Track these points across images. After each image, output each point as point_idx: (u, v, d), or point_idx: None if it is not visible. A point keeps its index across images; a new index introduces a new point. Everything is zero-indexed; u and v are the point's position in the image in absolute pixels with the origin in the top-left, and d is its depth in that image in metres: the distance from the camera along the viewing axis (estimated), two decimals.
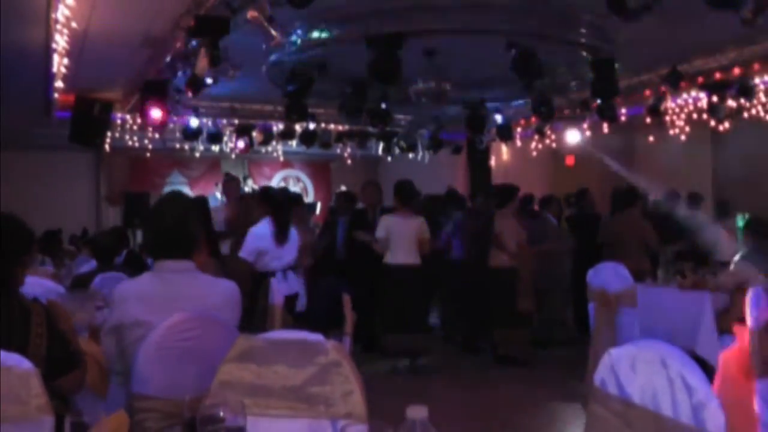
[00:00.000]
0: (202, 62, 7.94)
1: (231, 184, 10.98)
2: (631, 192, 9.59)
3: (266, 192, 7.41)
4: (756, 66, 11.28)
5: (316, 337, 2.72)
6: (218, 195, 15.28)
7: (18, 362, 2.68)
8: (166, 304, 3.47)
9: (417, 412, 1.75)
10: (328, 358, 2.65)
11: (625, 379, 2.37)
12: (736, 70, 11.42)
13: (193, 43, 8.33)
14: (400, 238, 8.69)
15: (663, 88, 12.16)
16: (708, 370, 3.48)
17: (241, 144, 15.39)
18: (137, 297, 3.54)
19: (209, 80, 9.11)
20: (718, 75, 11.67)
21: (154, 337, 3.81)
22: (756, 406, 3.90)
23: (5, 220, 3.28)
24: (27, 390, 2.65)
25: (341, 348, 2.70)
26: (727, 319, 5.98)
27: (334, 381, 2.63)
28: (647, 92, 12.72)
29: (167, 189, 18.99)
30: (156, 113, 10.49)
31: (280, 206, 6.84)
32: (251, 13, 7.48)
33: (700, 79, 11.84)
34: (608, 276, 6.97)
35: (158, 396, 3.52)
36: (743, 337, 3.79)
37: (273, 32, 7.58)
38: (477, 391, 8.20)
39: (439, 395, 7.96)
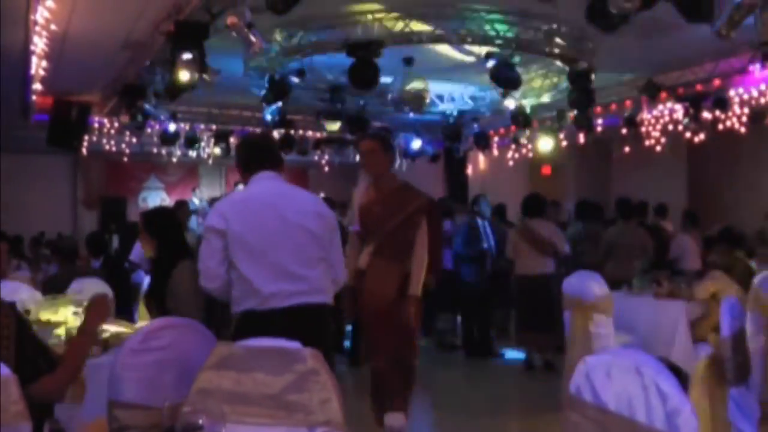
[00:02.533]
0: (182, 67, 7.92)
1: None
2: (630, 202, 9.65)
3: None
4: (731, 79, 11.42)
5: (294, 345, 2.72)
6: (195, 200, 15.25)
7: None
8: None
9: (395, 420, 1.76)
10: (306, 366, 2.66)
11: (600, 386, 2.40)
12: (712, 83, 11.55)
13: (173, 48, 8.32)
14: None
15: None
16: (683, 377, 3.51)
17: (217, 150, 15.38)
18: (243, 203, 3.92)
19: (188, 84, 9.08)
20: (694, 87, 11.80)
21: (131, 343, 3.80)
22: (729, 413, 3.96)
23: None
24: (6, 396, 2.64)
25: (319, 356, 2.71)
26: (701, 328, 6.04)
27: (311, 389, 2.64)
28: (624, 103, 12.85)
29: (144, 194, 18.95)
30: None
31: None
32: (231, 19, 7.48)
33: (679, 91, 11.96)
34: (584, 284, 6.99)
35: (136, 403, 3.51)
36: (718, 345, 3.84)
37: (252, 38, 7.59)
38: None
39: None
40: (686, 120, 12.12)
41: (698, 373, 3.85)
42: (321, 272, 3.93)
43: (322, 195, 14.15)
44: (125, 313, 7.50)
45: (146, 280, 7.81)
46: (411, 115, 12.72)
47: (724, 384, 3.80)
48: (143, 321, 6.53)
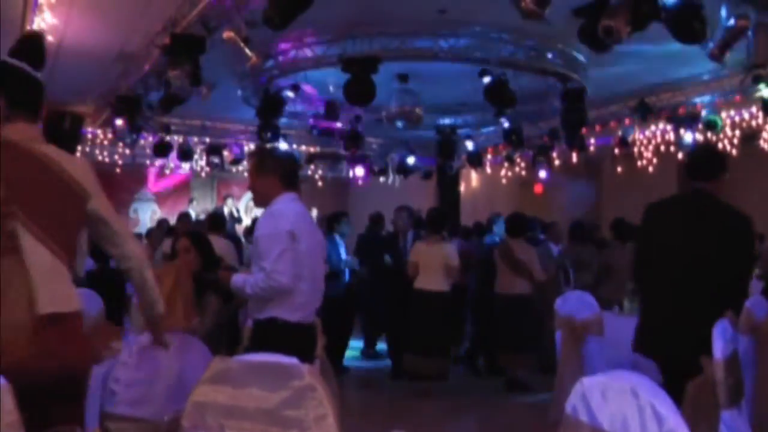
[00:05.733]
0: (177, 80, 7.92)
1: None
2: (627, 224, 9.67)
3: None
4: (723, 100, 11.51)
5: (291, 360, 2.72)
6: (192, 212, 15.21)
7: None
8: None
9: None
10: (303, 382, 2.65)
11: (596, 407, 2.40)
12: (703, 104, 11.64)
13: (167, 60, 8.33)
14: (428, 264, 8.79)
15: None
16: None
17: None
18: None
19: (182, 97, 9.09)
20: (685, 109, 11.89)
21: (123, 356, 3.80)
22: None
23: None
24: None
25: (316, 372, 2.71)
26: None
27: (308, 405, 2.63)
28: (616, 123, 12.93)
29: (135, 205, 18.87)
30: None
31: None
32: (227, 34, 7.50)
33: (670, 112, 12.04)
34: (575, 304, 7.01)
35: (128, 415, 3.50)
36: (710, 367, 3.85)
37: (249, 53, 7.60)
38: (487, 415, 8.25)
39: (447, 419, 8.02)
40: (686, 143, 12.17)
41: (690, 395, 3.85)
42: None
43: (314, 210, 14.26)
44: (116, 323, 7.48)
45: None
46: (405, 131, 12.77)
47: (717, 407, 3.81)
48: (134, 331, 6.52)
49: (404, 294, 9.10)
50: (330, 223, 10.51)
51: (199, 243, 5.15)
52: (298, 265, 4.00)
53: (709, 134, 12.01)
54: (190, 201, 17.61)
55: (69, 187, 3.05)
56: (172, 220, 12.62)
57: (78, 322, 3.04)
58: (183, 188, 19.29)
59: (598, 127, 13.27)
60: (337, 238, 10.26)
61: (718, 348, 3.94)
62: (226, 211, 15.58)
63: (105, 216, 3.19)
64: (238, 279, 4.18)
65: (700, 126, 11.89)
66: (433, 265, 8.74)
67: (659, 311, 4.54)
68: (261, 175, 4.29)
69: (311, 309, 4.19)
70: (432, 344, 8.74)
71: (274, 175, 4.24)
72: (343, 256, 10.29)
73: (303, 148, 15.98)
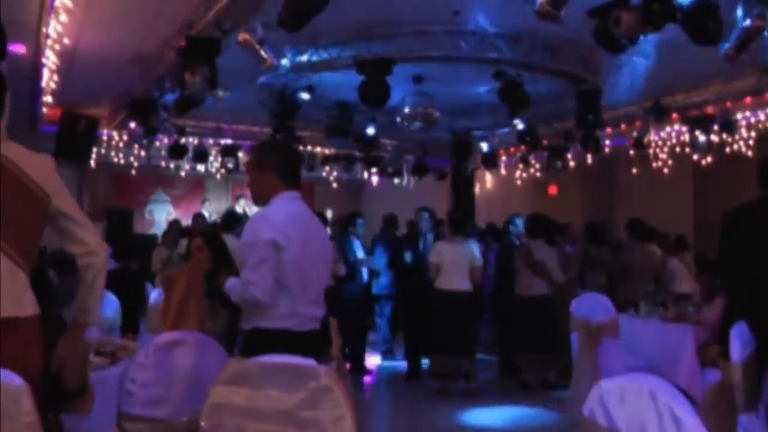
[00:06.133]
0: (193, 83, 7.93)
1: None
2: (644, 224, 9.66)
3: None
4: (739, 101, 11.44)
5: (308, 361, 2.73)
6: (205, 213, 15.24)
7: (10, 379, 2.68)
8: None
9: None
10: (320, 383, 2.66)
11: (614, 410, 2.40)
12: (719, 105, 11.57)
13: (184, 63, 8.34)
14: (451, 264, 8.83)
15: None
16: (691, 403, 3.50)
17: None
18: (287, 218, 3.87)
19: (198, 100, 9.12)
20: (700, 109, 11.83)
21: (140, 357, 3.82)
22: None
23: None
24: (17, 407, 2.65)
25: (333, 373, 2.72)
26: (709, 353, 6.03)
27: (325, 406, 2.64)
28: (631, 124, 12.88)
29: (150, 207, 18.96)
30: None
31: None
32: (243, 36, 7.52)
33: (686, 113, 11.98)
34: (591, 306, 6.99)
35: (144, 415, 3.52)
36: (727, 371, 3.84)
37: (264, 55, 7.62)
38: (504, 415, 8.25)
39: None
40: (701, 144, 12.12)
41: (708, 399, 3.84)
42: None
43: (329, 212, 14.26)
44: (132, 326, 7.52)
45: (153, 294, 7.83)
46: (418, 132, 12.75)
47: (734, 411, 3.79)
48: (150, 333, 6.55)
49: (423, 295, 9.12)
50: (344, 224, 10.54)
51: (212, 243, 5.15)
52: (283, 274, 3.74)
53: (724, 135, 11.94)
54: (203, 202, 17.65)
55: (28, 190, 3.03)
56: (187, 222, 12.68)
57: (34, 326, 3.01)
58: (198, 189, 19.35)
59: (610, 130, 13.20)
60: (353, 238, 10.28)
61: (736, 351, 3.93)
62: (239, 210, 15.61)
63: (69, 212, 3.15)
64: (228, 284, 3.94)
65: (716, 127, 11.83)
66: (458, 265, 8.80)
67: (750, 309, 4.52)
68: (259, 171, 4.03)
69: (304, 317, 3.83)
70: (458, 343, 8.77)
71: (272, 172, 3.97)
72: (360, 256, 10.30)
73: (318, 149, 15.98)
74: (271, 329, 3.73)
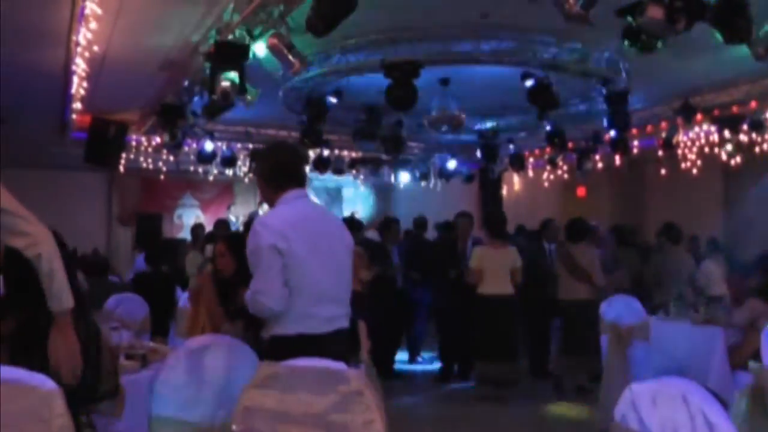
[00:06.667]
0: (221, 88, 7.97)
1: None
2: (678, 228, 9.61)
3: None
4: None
5: (338, 365, 2.74)
6: (231, 217, 15.32)
7: (42, 382, 2.71)
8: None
9: None
10: (350, 387, 2.67)
11: (645, 414, 2.39)
12: (748, 105, 11.46)
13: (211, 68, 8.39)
14: (494, 269, 8.83)
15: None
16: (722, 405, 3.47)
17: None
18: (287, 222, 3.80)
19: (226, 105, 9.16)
20: (730, 109, 11.72)
21: (171, 360, 3.85)
22: None
23: (61, 239, 3.28)
24: (50, 410, 2.68)
25: (363, 377, 2.73)
26: (740, 356, 5.98)
27: (355, 410, 2.65)
28: (660, 125, 12.79)
29: (179, 211, 19.10)
30: None
31: None
32: (271, 41, 7.55)
33: (714, 113, 11.88)
34: (621, 309, 6.96)
35: (176, 418, 3.54)
36: (759, 374, 3.80)
37: (292, 59, 7.64)
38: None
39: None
40: (730, 147, 12.02)
41: (739, 403, 3.80)
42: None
43: (356, 213, 14.29)
44: (162, 329, 7.58)
45: (183, 297, 7.88)
46: (447, 135, 12.75)
47: (766, 414, 3.76)
48: (180, 336, 6.60)
49: (463, 300, 9.11)
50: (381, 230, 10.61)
51: (235, 247, 5.15)
52: (291, 276, 3.68)
53: (754, 135, 11.83)
54: (228, 207, 17.78)
55: None
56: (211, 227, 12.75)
57: None
58: (226, 194, 19.47)
59: (638, 130, 13.12)
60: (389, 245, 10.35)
61: (766, 353, 3.90)
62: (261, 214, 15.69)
63: (6, 207, 3.09)
64: (246, 297, 3.85)
65: (745, 127, 11.71)
66: (500, 269, 8.77)
67: None
68: (256, 178, 4.10)
69: (320, 319, 3.73)
70: (504, 349, 8.73)
71: (261, 178, 4.01)
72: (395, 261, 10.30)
73: (345, 153, 16.02)
74: (288, 336, 3.68)
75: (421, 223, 11.52)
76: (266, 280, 3.67)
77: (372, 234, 11.65)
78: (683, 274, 8.93)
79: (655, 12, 6.48)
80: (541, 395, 9.02)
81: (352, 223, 9.95)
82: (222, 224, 11.56)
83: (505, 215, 9.64)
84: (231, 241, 5.33)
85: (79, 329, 3.06)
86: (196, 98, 10.31)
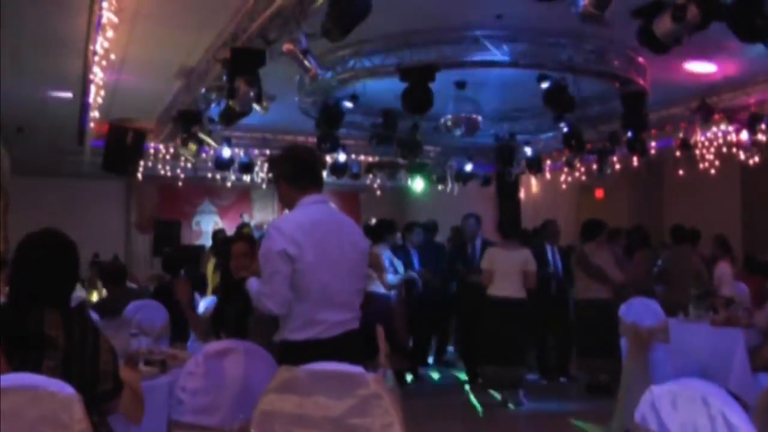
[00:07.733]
0: (238, 94, 7.99)
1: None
2: (683, 228, 9.56)
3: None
4: None
5: (357, 369, 2.74)
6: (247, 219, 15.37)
7: (61, 388, 2.72)
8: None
9: None
10: (369, 391, 2.67)
11: (666, 416, 2.37)
12: (766, 104, 11.40)
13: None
14: (505, 271, 8.73)
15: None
16: (743, 408, 3.45)
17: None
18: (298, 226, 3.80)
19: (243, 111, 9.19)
20: (747, 109, 11.65)
21: (190, 365, 3.86)
22: None
23: (67, 240, 3.29)
24: (69, 415, 2.69)
25: (381, 381, 2.72)
26: (761, 358, 5.93)
27: (374, 413, 2.65)
28: (677, 125, 12.74)
29: (197, 218, 19.18)
30: None
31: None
32: (287, 46, 7.57)
33: (731, 113, 11.83)
34: (640, 311, 6.92)
35: (195, 423, 3.54)
36: None
37: (308, 64, 7.66)
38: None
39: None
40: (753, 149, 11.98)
41: (760, 404, 3.77)
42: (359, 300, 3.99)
43: (373, 220, 14.29)
44: (182, 335, 7.59)
45: (201, 303, 7.90)
46: (463, 138, 12.74)
47: None
48: (199, 342, 6.61)
49: (476, 302, 9.10)
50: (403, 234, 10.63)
51: (254, 247, 5.12)
52: (300, 282, 3.68)
53: None
54: (241, 215, 17.89)
55: None
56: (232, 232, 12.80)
57: None
58: (244, 200, 19.54)
59: (656, 131, 13.07)
60: (410, 248, 10.33)
61: None
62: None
63: None
64: (249, 284, 3.92)
65: (763, 126, 11.64)
66: (511, 271, 8.65)
67: None
68: (275, 183, 4.09)
69: (329, 323, 3.71)
70: (511, 353, 8.66)
71: (282, 181, 3.99)
72: (416, 266, 10.30)
73: (362, 157, 16.04)
74: (296, 341, 3.69)
75: (431, 227, 11.52)
76: (272, 283, 3.69)
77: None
78: (687, 274, 8.83)
79: (665, 23, 6.48)
80: (553, 398, 9.01)
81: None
82: (245, 228, 11.61)
83: (517, 216, 9.60)
84: (254, 243, 5.28)
85: (74, 328, 3.06)
86: (213, 104, 10.36)
